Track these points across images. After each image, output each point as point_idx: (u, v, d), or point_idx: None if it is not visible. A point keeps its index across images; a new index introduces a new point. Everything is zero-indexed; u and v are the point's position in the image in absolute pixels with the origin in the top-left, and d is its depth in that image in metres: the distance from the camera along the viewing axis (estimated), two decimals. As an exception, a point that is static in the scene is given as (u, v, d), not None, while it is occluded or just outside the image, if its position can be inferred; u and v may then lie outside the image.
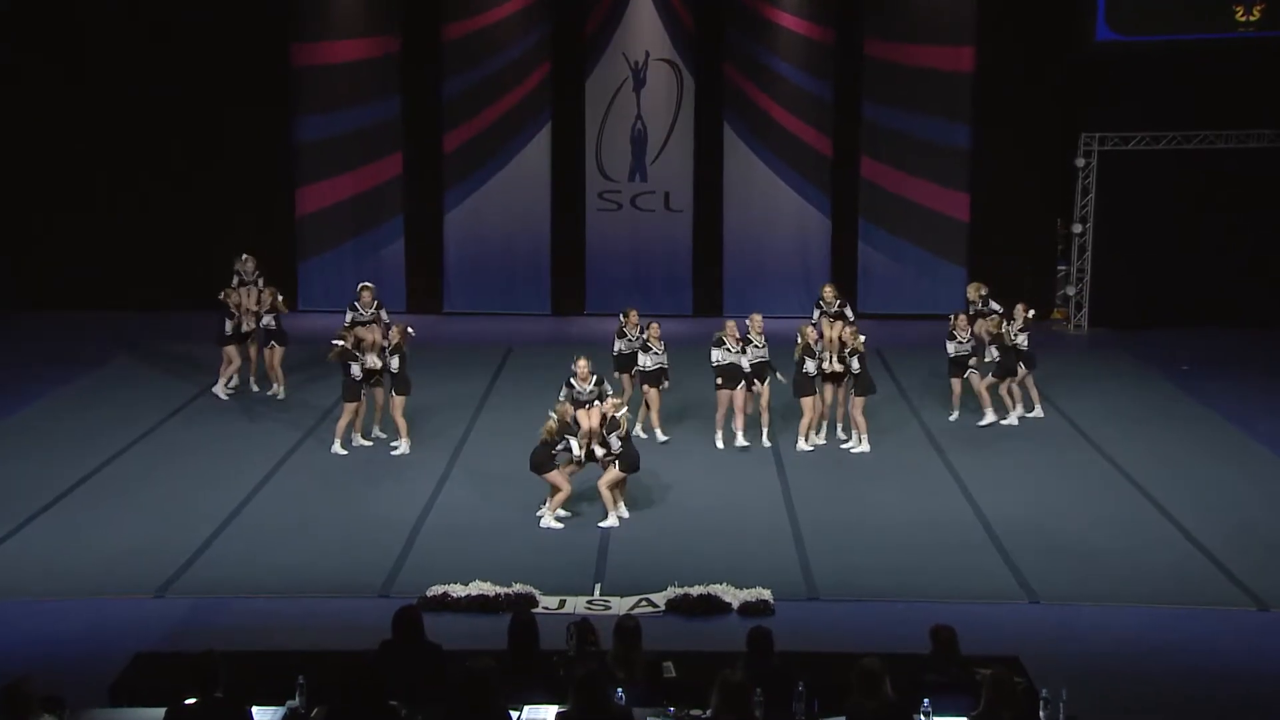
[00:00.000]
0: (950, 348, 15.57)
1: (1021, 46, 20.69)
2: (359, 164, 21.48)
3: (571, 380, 13.31)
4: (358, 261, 21.37)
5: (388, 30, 21.23)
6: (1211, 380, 17.83)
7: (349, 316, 15.84)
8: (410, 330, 14.76)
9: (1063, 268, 21.50)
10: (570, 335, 19.85)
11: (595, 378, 13.45)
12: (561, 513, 12.56)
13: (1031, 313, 15.99)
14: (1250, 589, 11.20)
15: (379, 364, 14.46)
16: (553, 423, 12.40)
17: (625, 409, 12.93)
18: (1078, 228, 21.01)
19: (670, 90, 21.36)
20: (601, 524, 12.47)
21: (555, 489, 12.46)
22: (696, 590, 10.78)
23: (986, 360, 15.72)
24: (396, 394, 14.52)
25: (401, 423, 14.56)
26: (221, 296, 16.35)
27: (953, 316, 15.83)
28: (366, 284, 16.34)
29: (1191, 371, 18.30)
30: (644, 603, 10.74)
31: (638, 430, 14.67)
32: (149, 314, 20.82)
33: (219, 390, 16.48)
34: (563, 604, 10.67)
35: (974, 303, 16.50)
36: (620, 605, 10.67)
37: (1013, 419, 15.70)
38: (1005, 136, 20.88)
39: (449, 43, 21.22)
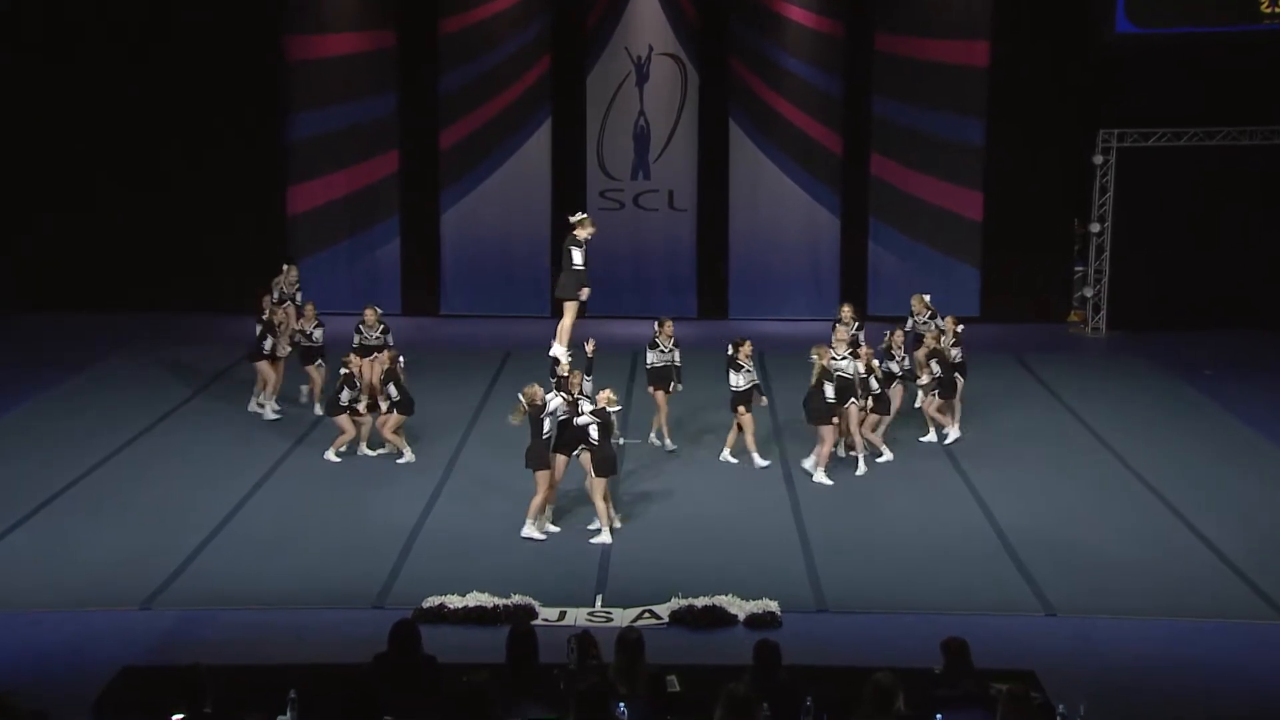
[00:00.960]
0: (893, 366, 14.89)
1: (1037, 40, 20.46)
2: (353, 162, 21.26)
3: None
4: (352, 262, 21.17)
5: (383, 24, 21.02)
6: (1234, 384, 17.58)
7: (356, 340, 15.39)
8: (401, 359, 14.41)
9: (1080, 268, 21.19)
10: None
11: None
12: (551, 528, 12.32)
13: (961, 327, 15.35)
14: (1275, 601, 11.01)
15: (375, 407, 14.20)
16: (522, 405, 12.16)
17: (619, 407, 12.68)
18: (1096, 227, 20.72)
19: (674, 85, 21.13)
20: (593, 540, 12.21)
21: (535, 491, 12.16)
22: (701, 602, 10.68)
23: (926, 380, 14.95)
24: (399, 412, 14.21)
25: (394, 439, 14.25)
26: (266, 315, 15.80)
27: (888, 334, 15.12)
28: (372, 305, 15.89)
29: (1214, 376, 18.02)
30: (647, 614, 10.61)
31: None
32: (147, 314, 20.63)
33: (268, 411, 15.69)
34: (563, 616, 10.55)
35: (918, 314, 15.95)
36: (622, 617, 10.53)
37: (954, 433, 15.08)
38: (1020, 133, 20.63)
39: (446, 37, 21.02)
